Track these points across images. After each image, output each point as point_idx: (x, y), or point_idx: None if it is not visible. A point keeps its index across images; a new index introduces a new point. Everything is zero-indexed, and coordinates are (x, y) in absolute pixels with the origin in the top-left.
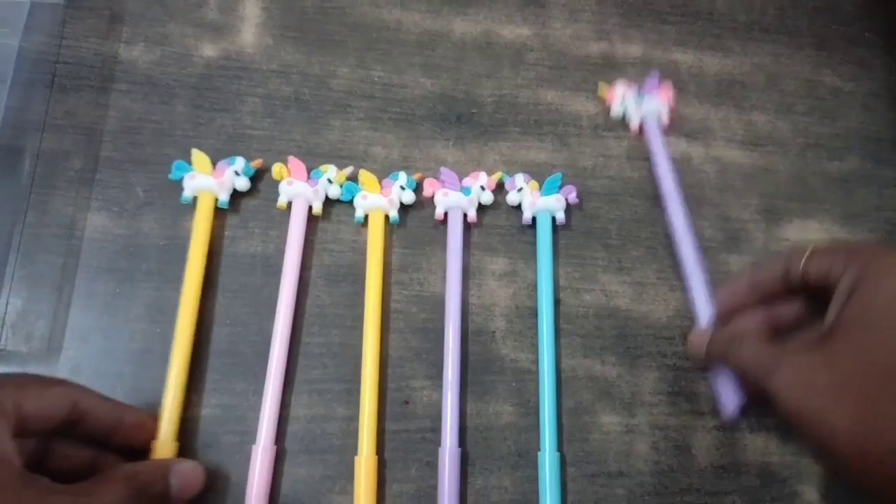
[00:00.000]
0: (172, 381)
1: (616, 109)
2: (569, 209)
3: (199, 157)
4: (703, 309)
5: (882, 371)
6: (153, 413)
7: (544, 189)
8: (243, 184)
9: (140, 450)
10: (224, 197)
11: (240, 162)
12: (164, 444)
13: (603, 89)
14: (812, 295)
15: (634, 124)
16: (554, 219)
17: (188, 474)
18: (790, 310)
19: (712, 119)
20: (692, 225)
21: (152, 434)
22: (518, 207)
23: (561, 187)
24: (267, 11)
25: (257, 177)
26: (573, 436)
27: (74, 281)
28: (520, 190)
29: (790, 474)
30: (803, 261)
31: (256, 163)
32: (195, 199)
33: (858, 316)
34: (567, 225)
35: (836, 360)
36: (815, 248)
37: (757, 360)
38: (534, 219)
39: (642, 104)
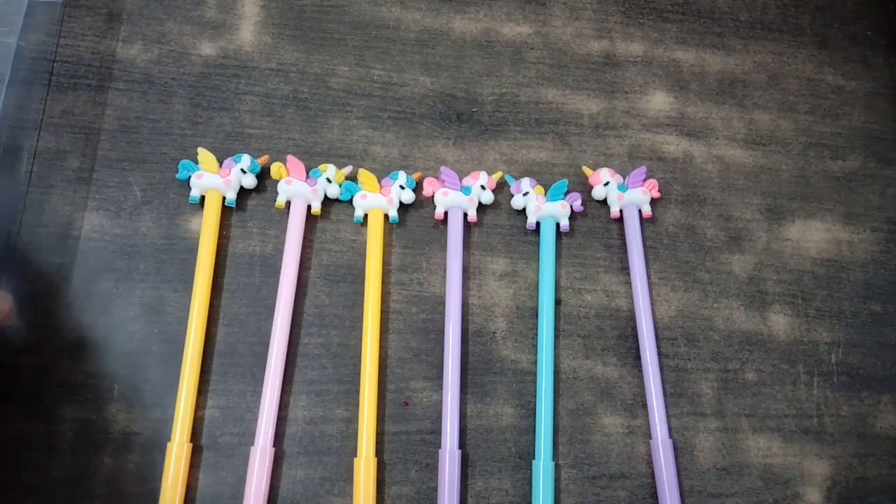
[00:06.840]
0: (185, 382)
1: (597, 193)
2: (573, 216)
3: (205, 156)
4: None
5: None
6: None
7: (550, 195)
8: (250, 181)
9: None
10: (232, 196)
11: (246, 159)
12: (179, 445)
13: (586, 171)
14: None
15: (615, 211)
16: (558, 225)
17: None
18: None
19: (714, 118)
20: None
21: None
22: (521, 211)
23: (566, 193)
24: (265, 10)
25: (263, 174)
26: (574, 437)
27: (71, 281)
28: (525, 194)
29: (792, 476)
30: None
31: (263, 159)
32: (202, 198)
33: None
34: (570, 230)
35: None
36: None
37: None
38: (537, 224)
39: (625, 194)
